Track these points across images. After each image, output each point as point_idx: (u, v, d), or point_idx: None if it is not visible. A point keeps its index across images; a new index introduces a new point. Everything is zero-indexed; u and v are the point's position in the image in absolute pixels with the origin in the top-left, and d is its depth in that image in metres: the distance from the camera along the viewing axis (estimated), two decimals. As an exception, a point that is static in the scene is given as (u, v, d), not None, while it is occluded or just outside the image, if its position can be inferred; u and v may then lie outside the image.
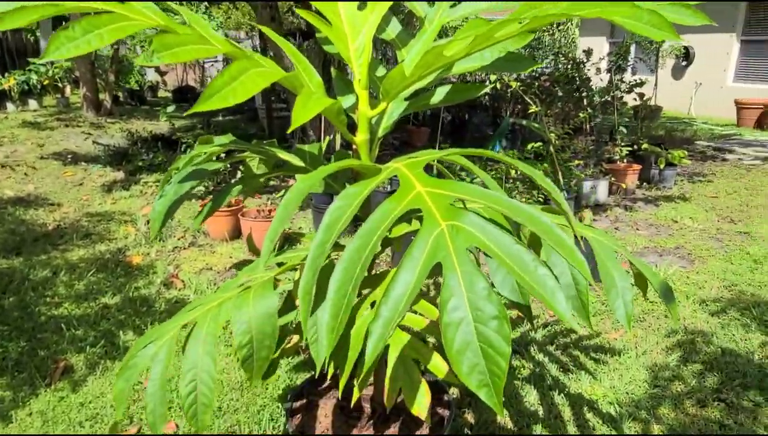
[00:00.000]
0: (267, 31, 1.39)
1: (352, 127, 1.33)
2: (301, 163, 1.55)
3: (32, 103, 10.71)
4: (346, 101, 1.48)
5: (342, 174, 1.55)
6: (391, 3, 1.35)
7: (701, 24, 1.00)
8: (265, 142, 1.61)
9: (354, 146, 1.35)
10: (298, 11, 1.42)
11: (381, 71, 1.51)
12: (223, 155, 1.57)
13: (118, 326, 2.62)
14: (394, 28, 1.52)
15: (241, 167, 4.42)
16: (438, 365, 1.19)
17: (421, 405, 1.16)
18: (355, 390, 1.15)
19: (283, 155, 1.54)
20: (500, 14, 1.35)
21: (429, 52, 1.08)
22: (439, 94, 1.46)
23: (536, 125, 4.14)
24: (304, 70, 1.34)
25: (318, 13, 1.34)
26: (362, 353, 1.23)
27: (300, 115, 0.95)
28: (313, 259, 0.83)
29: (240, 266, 1.70)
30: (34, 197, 4.77)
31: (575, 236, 1.31)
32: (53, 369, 2.28)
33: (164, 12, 1.12)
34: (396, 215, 0.84)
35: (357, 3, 1.34)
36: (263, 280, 1.16)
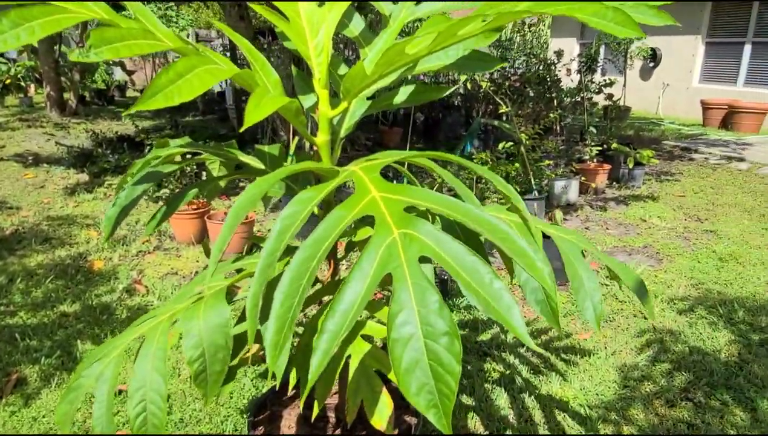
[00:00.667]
0: (223, 27, 1.33)
1: (316, 127, 1.28)
2: (260, 166, 1.50)
3: (-7, 103, 10.36)
4: (307, 101, 1.42)
5: (303, 177, 1.49)
6: (350, 2, 1.31)
7: (664, 24, 0.98)
8: (224, 143, 1.55)
9: (314, 148, 1.30)
10: (254, 7, 1.36)
11: (343, 69, 1.46)
12: (188, 156, 1.50)
13: (75, 335, 2.51)
14: (357, 26, 1.47)
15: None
16: (401, 375, 1.14)
17: (382, 417, 1.11)
18: (316, 403, 1.10)
19: (243, 157, 1.47)
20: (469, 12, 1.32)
21: (390, 49, 1.04)
22: (403, 94, 1.42)
23: (507, 126, 4.14)
24: (261, 67, 1.28)
25: (278, 10, 1.29)
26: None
27: (253, 115, 0.89)
28: (261, 269, 0.78)
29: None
30: (-9, 201, 4.58)
31: (543, 235, 1.28)
32: (5, 382, 2.16)
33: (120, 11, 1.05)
34: (347, 223, 0.79)
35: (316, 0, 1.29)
36: (216, 289, 1.10)
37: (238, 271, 1.46)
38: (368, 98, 1.42)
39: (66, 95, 9.62)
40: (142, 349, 1.03)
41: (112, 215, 1.25)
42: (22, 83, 11.23)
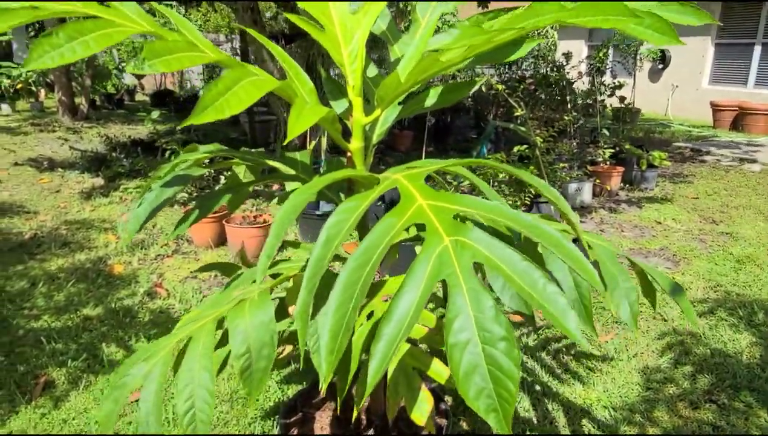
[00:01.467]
0: (255, 34, 1.35)
1: (345, 132, 1.30)
2: (291, 172, 1.52)
3: (4, 108, 10.47)
4: (338, 106, 1.44)
5: (336, 182, 1.51)
6: (384, 4, 1.32)
7: (704, 23, 0.99)
8: (253, 150, 1.57)
9: (348, 154, 1.32)
10: (287, 15, 1.39)
11: (372, 71, 1.47)
12: (207, 161, 1.53)
13: (100, 338, 2.54)
14: (384, 21, 1.47)
15: (225, 173, 4.34)
16: (438, 371, 1.16)
17: (422, 411, 1.13)
18: (355, 406, 1.12)
19: (273, 163, 1.50)
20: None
21: (425, 58, 1.06)
22: (433, 97, 1.43)
23: (523, 129, 4.15)
24: (296, 76, 1.30)
25: (308, 15, 1.31)
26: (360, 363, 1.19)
27: (296, 127, 0.91)
28: (309, 277, 0.79)
29: (209, 268, 1.66)
30: (8, 205, 4.63)
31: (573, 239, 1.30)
32: (34, 385, 2.20)
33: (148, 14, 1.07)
34: (399, 230, 0.81)
35: (348, 5, 1.30)
36: (259, 291, 1.12)
37: (272, 276, 1.48)
38: (399, 103, 1.44)
39: (77, 100, 9.71)
40: (189, 348, 1.06)
41: (141, 213, 1.25)
42: (33, 88, 11.33)
